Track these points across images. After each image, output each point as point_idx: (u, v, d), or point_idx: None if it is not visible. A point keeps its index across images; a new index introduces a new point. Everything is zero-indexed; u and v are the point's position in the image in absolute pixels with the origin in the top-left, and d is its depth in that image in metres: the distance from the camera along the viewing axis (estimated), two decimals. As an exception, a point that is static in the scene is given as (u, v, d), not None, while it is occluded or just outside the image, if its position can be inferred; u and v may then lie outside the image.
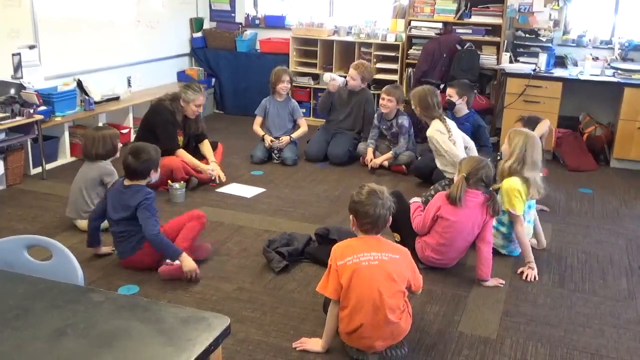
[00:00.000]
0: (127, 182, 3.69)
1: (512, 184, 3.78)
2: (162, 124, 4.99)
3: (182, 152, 5.07)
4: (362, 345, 2.85)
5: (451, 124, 4.81)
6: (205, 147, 5.33)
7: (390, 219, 2.92)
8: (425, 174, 5.30)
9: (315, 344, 2.96)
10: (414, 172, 5.46)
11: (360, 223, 2.87)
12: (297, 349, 2.96)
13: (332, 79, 6.00)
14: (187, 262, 3.55)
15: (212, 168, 5.13)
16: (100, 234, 3.85)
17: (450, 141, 4.69)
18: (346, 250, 2.82)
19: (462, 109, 5.34)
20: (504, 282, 3.67)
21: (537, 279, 3.74)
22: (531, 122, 4.87)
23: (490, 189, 3.65)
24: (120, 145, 4.35)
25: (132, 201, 3.59)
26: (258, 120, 6.01)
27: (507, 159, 3.87)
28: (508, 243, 3.99)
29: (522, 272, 3.77)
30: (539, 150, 3.89)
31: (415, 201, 4.03)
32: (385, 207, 2.85)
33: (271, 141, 5.87)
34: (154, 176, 3.76)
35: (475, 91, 6.03)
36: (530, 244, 3.90)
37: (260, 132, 5.96)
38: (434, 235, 3.68)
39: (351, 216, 2.92)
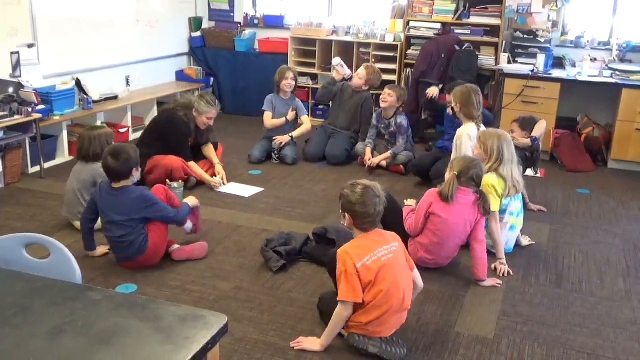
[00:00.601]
0: (115, 185, 3.66)
1: (486, 180, 3.81)
2: (178, 137, 5.01)
3: (192, 165, 5.09)
4: (371, 333, 2.87)
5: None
6: (209, 150, 5.34)
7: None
8: (424, 171, 5.30)
9: (313, 343, 2.96)
10: (412, 169, 5.47)
11: (360, 222, 2.88)
12: (294, 348, 2.97)
13: (341, 66, 6.01)
14: (191, 201, 3.98)
15: (217, 182, 5.13)
16: (95, 234, 3.85)
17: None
18: (359, 251, 2.81)
19: None
20: (501, 282, 3.68)
21: (511, 274, 3.79)
22: (527, 123, 4.88)
23: (480, 188, 3.68)
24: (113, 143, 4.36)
25: (133, 202, 3.59)
26: (268, 114, 5.96)
27: (486, 162, 3.90)
28: None
29: (495, 268, 3.82)
30: (512, 146, 3.96)
31: (408, 205, 4.04)
32: (382, 204, 2.88)
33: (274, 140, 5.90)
34: (136, 175, 3.72)
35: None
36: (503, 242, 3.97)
37: (279, 120, 5.92)
38: (427, 234, 3.69)
39: (346, 215, 2.90)
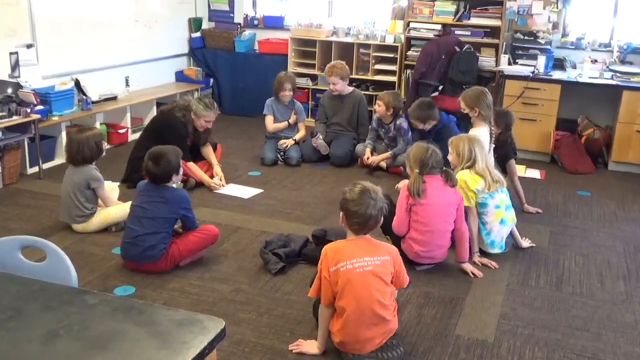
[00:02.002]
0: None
1: (458, 176, 3.90)
2: (176, 138, 4.91)
3: (191, 166, 5.07)
4: (358, 350, 2.83)
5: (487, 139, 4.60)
6: (208, 151, 5.32)
7: (382, 219, 2.89)
8: None
9: (311, 346, 2.95)
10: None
11: (350, 222, 2.84)
12: (293, 351, 2.95)
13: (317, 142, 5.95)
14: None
15: (217, 183, 5.12)
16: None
17: None
18: (337, 255, 2.77)
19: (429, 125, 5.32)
20: (481, 274, 3.77)
21: (492, 265, 3.90)
22: (501, 116, 4.86)
23: (443, 167, 3.79)
24: (105, 145, 4.35)
25: (174, 200, 3.67)
26: (270, 118, 5.94)
27: (459, 165, 3.98)
28: (488, 235, 3.98)
29: (474, 262, 3.92)
30: (482, 145, 4.02)
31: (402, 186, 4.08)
32: (376, 208, 2.81)
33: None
34: (176, 179, 3.79)
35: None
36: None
37: (281, 124, 5.93)
38: (415, 226, 3.71)
39: (341, 213, 2.89)
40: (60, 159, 5.66)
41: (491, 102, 4.67)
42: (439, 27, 6.66)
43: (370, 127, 5.87)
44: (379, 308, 2.76)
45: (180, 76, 7.61)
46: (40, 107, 5.24)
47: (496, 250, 4.01)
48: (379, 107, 5.59)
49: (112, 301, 1.87)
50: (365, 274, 2.74)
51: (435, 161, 3.70)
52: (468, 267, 3.79)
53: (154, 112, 6.65)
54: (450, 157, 4.08)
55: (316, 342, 2.95)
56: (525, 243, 4.20)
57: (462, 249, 3.77)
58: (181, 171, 3.84)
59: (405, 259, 3.77)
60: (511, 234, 4.13)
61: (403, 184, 4.13)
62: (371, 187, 2.86)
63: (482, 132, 4.43)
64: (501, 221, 3.98)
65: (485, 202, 3.93)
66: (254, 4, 7.96)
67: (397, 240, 3.80)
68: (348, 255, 2.76)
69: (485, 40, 6.60)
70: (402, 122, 5.64)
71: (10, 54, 5.32)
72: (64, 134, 5.68)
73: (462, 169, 3.95)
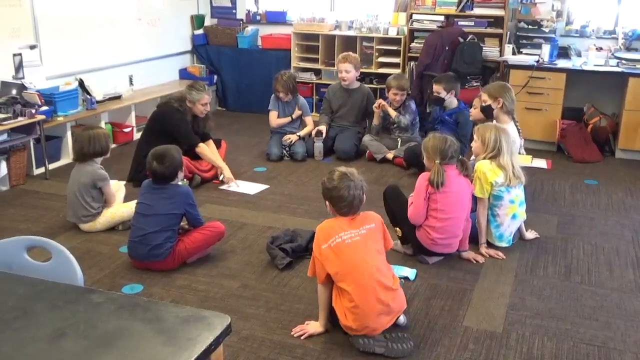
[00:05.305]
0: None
1: (478, 166, 3.87)
2: (176, 124, 4.94)
3: (203, 147, 5.06)
4: (367, 328, 2.86)
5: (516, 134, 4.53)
6: (211, 148, 5.30)
7: (364, 197, 2.99)
8: (418, 160, 5.22)
9: (315, 327, 3.03)
10: (407, 157, 5.45)
11: (337, 207, 2.96)
12: (301, 337, 3.00)
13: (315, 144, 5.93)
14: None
15: (230, 177, 5.12)
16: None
17: None
18: (329, 232, 2.91)
19: (452, 102, 5.38)
20: (483, 259, 3.82)
21: (499, 255, 3.89)
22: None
23: (461, 157, 3.81)
24: (111, 144, 4.37)
25: (179, 196, 3.69)
26: (274, 114, 5.96)
27: (481, 153, 3.94)
28: (497, 228, 3.95)
29: (480, 254, 3.92)
30: (510, 139, 3.96)
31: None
32: (358, 188, 2.94)
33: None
34: (181, 176, 3.81)
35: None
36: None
37: (284, 119, 5.95)
38: (434, 214, 3.68)
39: (327, 202, 3.00)
40: (66, 159, 5.68)
41: (514, 97, 4.60)
42: (442, 18, 6.63)
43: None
44: (377, 274, 2.86)
45: (184, 74, 7.61)
46: (45, 107, 5.24)
47: (503, 244, 3.98)
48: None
49: (118, 299, 1.87)
50: (354, 244, 2.87)
51: (454, 151, 3.70)
52: (470, 254, 3.84)
53: (158, 110, 6.65)
54: (474, 145, 4.06)
55: (318, 323, 3.03)
56: (530, 235, 4.17)
57: (464, 238, 3.81)
58: (183, 169, 3.86)
59: (419, 247, 3.78)
60: None
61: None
62: (347, 170, 3.00)
63: (511, 125, 4.40)
64: (513, 216, 3.96)
65: (501, 195, 3.89)
66: (256, 0, 7.95)
67: (409, 232, 3.79)
68: (336, 230, 2.91)
69: (489, 30, 6.56)
70: (410, 102, 5.76)
71: (14, 55, 5.32)
72: (69, 134, 5.70)
73: (485, 158, 3.90)
